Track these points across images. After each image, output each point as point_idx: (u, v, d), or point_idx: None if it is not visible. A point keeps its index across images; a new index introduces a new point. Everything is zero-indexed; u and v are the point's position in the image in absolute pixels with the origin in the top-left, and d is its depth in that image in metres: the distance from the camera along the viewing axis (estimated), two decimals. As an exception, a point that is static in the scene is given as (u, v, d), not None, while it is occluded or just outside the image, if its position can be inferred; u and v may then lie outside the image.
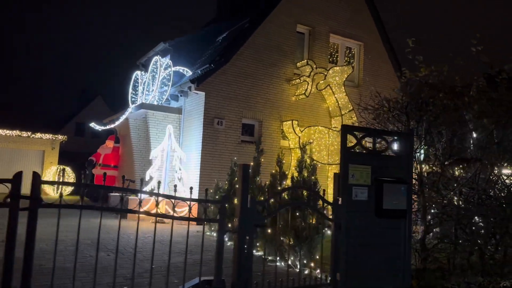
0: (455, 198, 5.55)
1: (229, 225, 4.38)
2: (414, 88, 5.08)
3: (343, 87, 13.65)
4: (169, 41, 14.47)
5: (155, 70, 12.99)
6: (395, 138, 5.11)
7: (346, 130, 4.81)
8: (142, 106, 12.21)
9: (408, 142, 5.10)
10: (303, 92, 12.93)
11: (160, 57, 13.00)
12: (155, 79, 12.82)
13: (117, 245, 3.63)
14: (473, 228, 5.48)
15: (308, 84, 12.93)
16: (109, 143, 18.54)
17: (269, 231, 7.08)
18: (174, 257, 6.55)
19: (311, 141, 12.05)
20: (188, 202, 3.68)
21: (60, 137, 23.91)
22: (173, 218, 3.47)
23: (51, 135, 23.61)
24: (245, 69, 12.26)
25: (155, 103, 12.92)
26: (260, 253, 7.32)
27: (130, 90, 14.58)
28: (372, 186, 4.76)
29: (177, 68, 13.64)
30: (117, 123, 13.78)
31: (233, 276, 3.77)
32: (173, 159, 11.28)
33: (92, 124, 15.06)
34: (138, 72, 14.35)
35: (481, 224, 5.80)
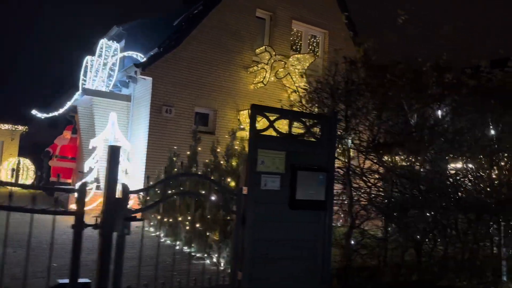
0: (387, 188, 5.05)
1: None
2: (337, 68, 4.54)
3: (304, 76, 13.09)
4: (123, 25, 13.69)
5: (101, 54, 12.20)
6: (316, 121, 4.56)
7: (255, 110, 4.23)
8: (86, 92, 11.45)
9: (330, 125, 4.56)
10: (261, 80, 12.33)
11: (106, 40, 12.23)
12: (102, 63, 12.04)
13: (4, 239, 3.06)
14: (406, 222, 4.98)
15: (266, 71, 12.34)
16: (67, 134, 17.61)
17: (197, 225, 6.51)
18: (92, 255, 5.98)
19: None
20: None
21: (20, 127, 22.85)
22: (9, 209, 2.84)
23: (11, 125, 22.53)
24: (198, 54, 11.58)
25: (104, 89, 12.15)
26: (192, 249, 6.75)
27: (81, 76, 13.74)
28: (286, 174, 4.21)
29: (129, 53, 12.89)
30: (61, 110, 12.96)
31: (96, 280, 3.16)
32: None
33: (34, 112, 14.18)
34: (88, 57, 13.50)
35: (417, 217, 5.33)
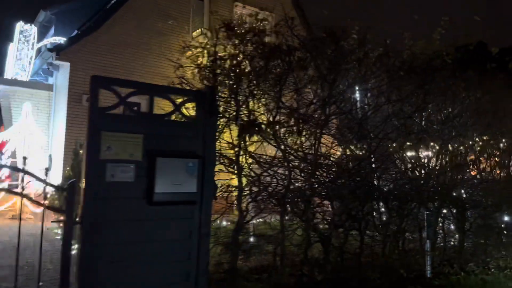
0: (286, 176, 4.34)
1: None
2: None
3: (247, 61, 12.32)
4: (51, 9, 12.53)
5: (19, 40, 11.06)
6: (188, 98, 3.81)
7: (99, 83, 3.47)
8: (1, 81, 10.33)
9: (208, 104, 3.80)
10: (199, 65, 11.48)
11: (22, 24, 11.08)
12: (20, 49, 10.93)
13: None
14: (306, 213, 4.30)
15: (203, 56, 11.48)
16: (2, 129, 16.42)
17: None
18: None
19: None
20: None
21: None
22: None
23: None
24: (124, 37, 10.58)
25: (25, 78, 11.04)
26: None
27: (6, 65, 12.53)
28: (144, 162, 3.44)
29: (56, 39, 11.76)
30: (-25, 102, 11.74)
31: None
32: (32, 144, 9.53)
33: None
34: (12, 44, 12.31)
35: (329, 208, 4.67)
